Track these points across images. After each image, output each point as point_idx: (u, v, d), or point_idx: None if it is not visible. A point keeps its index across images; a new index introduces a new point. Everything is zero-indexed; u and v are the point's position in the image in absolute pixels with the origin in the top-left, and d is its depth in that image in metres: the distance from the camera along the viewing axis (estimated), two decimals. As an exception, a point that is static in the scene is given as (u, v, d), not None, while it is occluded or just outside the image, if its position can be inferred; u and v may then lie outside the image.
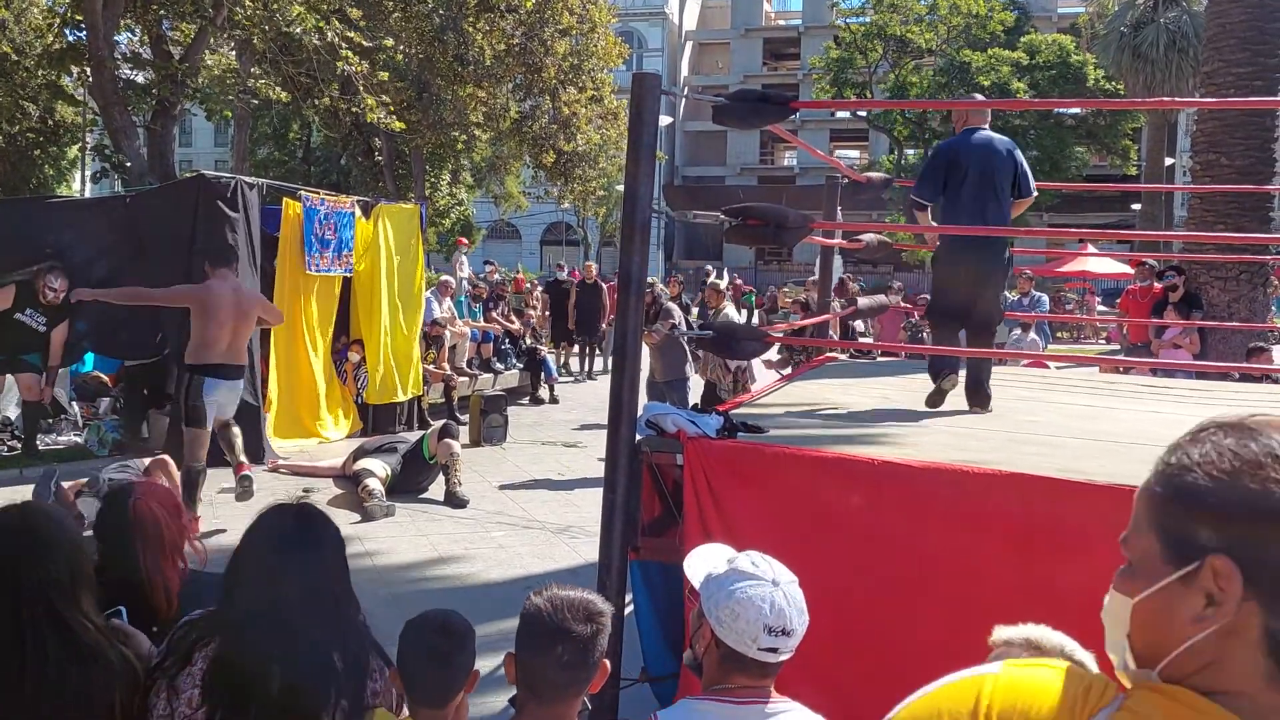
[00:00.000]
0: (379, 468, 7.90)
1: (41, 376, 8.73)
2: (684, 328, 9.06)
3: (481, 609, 5.53)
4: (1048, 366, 8.72)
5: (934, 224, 4.96)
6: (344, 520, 7.22)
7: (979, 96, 5.79)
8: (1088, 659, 1.71)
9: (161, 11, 13.18)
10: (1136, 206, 36.92)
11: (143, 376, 9.42)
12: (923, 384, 5.72)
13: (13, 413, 9.14)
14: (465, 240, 18.27)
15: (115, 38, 13.00)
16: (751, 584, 2.05)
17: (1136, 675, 1.06)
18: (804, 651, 3.15)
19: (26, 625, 1.98)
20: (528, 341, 14.27)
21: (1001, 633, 1.80)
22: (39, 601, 2.00)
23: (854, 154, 54.32)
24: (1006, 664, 1.12)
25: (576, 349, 16.46)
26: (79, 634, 2.03)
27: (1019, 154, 4.98)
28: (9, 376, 8.69)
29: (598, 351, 16.54)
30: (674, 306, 9.55)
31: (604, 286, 15.51)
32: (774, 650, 2.02)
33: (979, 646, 2.00)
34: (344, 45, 13.46)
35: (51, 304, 8.43)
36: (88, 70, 13.18)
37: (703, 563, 2.21)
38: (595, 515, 6.43)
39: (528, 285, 19.24)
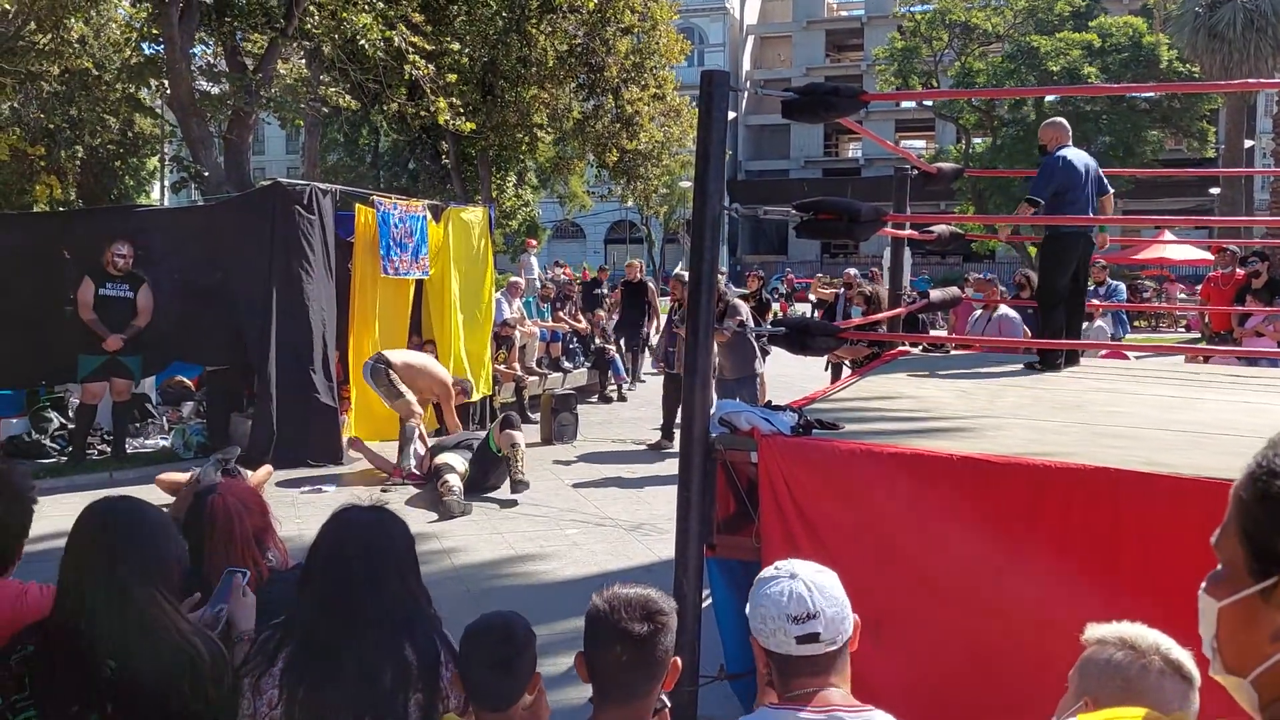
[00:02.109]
0: (459, 463, 7.98)
1: (131, 382, 9.01)
2: (752, 324, 9.03)
3: (558, 606, 5.59)
4: (1126, 357, 8.53)
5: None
6: (421, 519, 7.33)
7: (1062, 120, 6.33)
8: (1184, 657, 1.69)
9: (235, 24, 13.49)
10: (1215, 191, 35.88)
11: (224, 381, 9.69)
12: (998, 378, 5.65)
13: (101, 416, 9.43)
14: (534, 241, 18.37)
15: (191, 50, 13.34)
16: (769, 584, 2.05)
17: (1230, 684, 1.00)
18: (885, 645, 3.13)
19: (101, 610, 2.06)
20: (597, 341, 14.32)
21: (1095, 630, 1.78)
22: (113, 588, 2.08)
23: (920, 144, 53.62)
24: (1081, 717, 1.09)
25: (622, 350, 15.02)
26: (152, 621, 2.10)
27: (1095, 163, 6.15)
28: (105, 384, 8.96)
29: (642, 355, 15.21)
30: (742, 304, 9.51)
31: (649, 286, 14.88)
32: (811, 639, 1.98)
33: (1065, 643, 1.97)
34: (410, 50, 13.66)
35: (124, 270, 8.70)
36: (165, 83, 13.53)
37: None
38: (667, 512, 6.47)
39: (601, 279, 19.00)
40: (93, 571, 2.10)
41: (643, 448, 10.03)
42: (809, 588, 2.01)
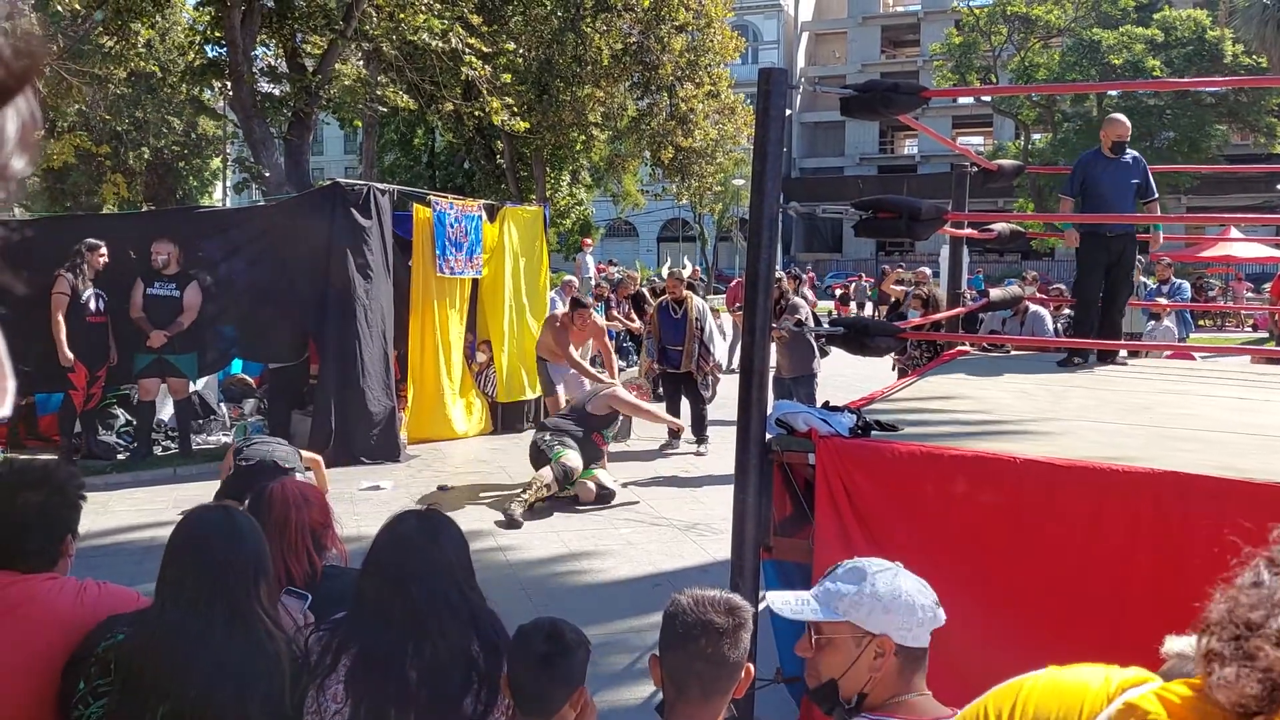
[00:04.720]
0: (575, 459, 7.70)
1: (187, 380, 9.18)
2: (811, 323, 8.96)
3: (613, 605, 5.60)
4: (1193, 357, 8.34)
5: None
6: (477, 516, 7.36)
7: (1122, 116, 6.53)
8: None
9: (295, 26, 13.68)
10: (1284, 187, 35.01)
11: (284, 379, 9.83)
12: (1061, 379, 5.55)
13: (166, 414, 9.62)
14: (589, 240, 18.41)
15: (253, 53, 13.56)
16: (893, 575, 2.01)
17: None
18: (947, 655, 3.08)
19: (204, 609, 2.10)
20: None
21: (1174, 644, 1.71)
22: (222, 589, 2.12)
23: (977, 140, 52.94)
24: (1051, 667, 1.11)
25: None
26: (251, 624, 2.14)
27: None
28: (162, 384, 9.13)
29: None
30: (801, 301, 9.43)
31: (645, 295, 14.07)
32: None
33: (1135, 656, 1.91)
34: (466, 50, 13.76)
35: (165, 269, 8.87)
36: (228, 85, 13.77)
37: (796, 601, 2.08)
38: (722, 513, 6.43)
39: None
40: (194, 573, 2.13)
41: (696, 447, 9.97)
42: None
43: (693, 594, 2.01)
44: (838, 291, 28.91)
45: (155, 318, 8.82)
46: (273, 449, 7.00)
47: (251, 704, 2.09)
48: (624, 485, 8.40)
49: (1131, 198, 6.29)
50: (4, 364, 0.56)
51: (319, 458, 7.45)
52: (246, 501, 2.83)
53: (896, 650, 1.97)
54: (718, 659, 1.94)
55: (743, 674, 1.99)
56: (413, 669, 2.13)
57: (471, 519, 7.25)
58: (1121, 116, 6.50)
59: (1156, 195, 6.40)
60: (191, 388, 9.50)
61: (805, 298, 13.96)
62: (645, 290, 14.65)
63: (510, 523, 7.17)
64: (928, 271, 11.05)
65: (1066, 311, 11.30)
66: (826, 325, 5.21)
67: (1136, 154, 6.47)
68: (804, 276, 19.44)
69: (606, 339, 9.60)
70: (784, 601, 2.09)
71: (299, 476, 6.73)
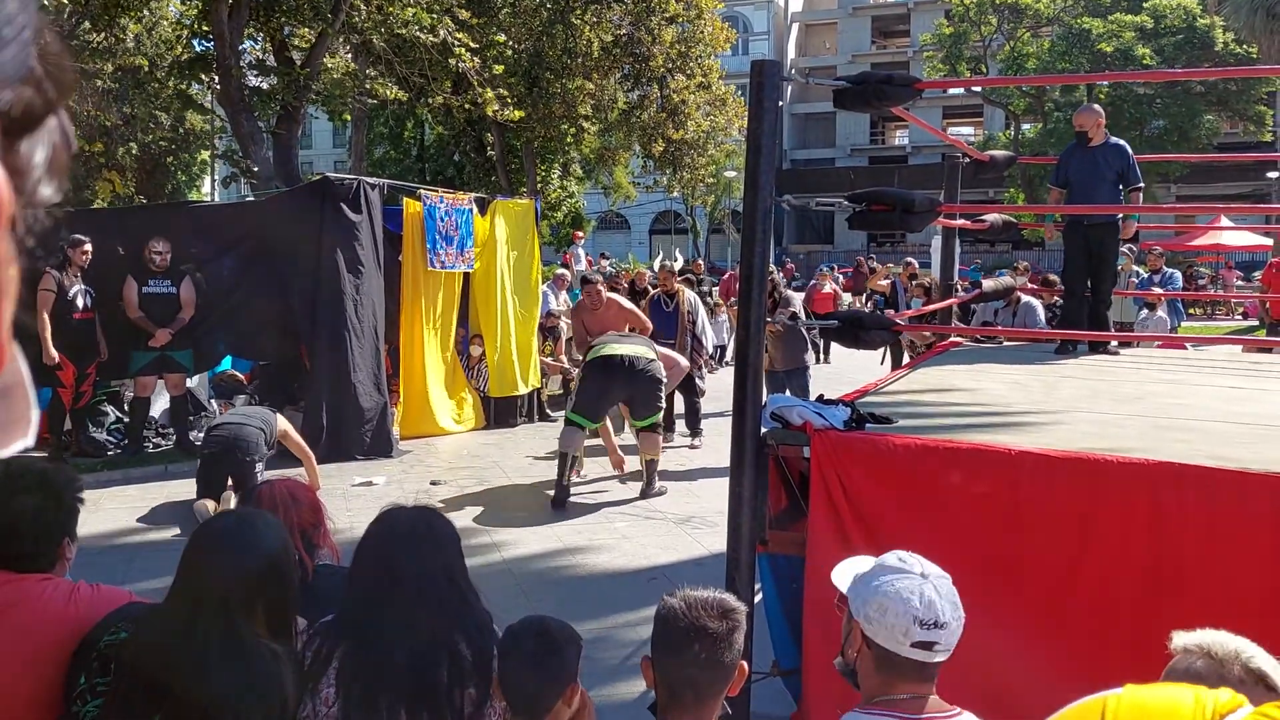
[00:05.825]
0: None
1: (185, 375, 9.13)
2: (804, 316, 8.96)
3: (608, 600, 5.60)
4: (1185, 347, 8.35)
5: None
6: (469, 513, 7.35)
7: (1097, 109, 6.53)
8: (1269, 666, 1.62)
9: (284, 19, 13.59)
10: (1273, 175, 35.07)
11: (276, 375, 9.80)
12: (1054, 369, 5.55)
13: (156, 411, 9.57)
14: (580, 233, 18.36)
15: (240, 46, 13.47)
16: (898, 577, 1.95)
17: None
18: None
19: (201, 622, 2.05)
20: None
21: (1180, 639, 1.71)
22: (216, 607, 2.06)
23: (968, 130, 52.92)
24: (1129, 686, 1.09)
25: None
26: (249, 641, 2.09)
27: None
28: (158, 380, 9.09)
29: None
30: (795, 295, 9.42)
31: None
32: (928, 646, 1.90)
33: (1128, 644, 1.91)
34: (456, 43, 13.70)
35: (161, 268, 8.83)
36: (215, 79, 13.69)
37: (851, 569, 2.11)
38: (716, 506, 6.43)
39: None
40: (194, 584, 2.10)
41: (690, 440, 9.96)
42: (938, 594, 1.93)
43: (685, 596, 1.96)
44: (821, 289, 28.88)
45: (155, 316, 8.78)
46: (235, 431, 6.98)
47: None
48: (622, 482, 8.39)
49: (1105, 186, 6.26)
50: (28, 391, 0.54)
51: (310, 453, 7.46)
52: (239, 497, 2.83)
53: (867, 643, 1.95)
54: (712, 664, 1.91)
55: (736, 674, 1.97)
56: (401, 658, 2.12)
57: (463, 515, 7.24)
58: (1088, 106, 6.56)
59: (1140, 184, 6.40)
60: (188, 383, 9.47)
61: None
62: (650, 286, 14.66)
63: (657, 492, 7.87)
64: (914, 262, 11.06)
65: (1056, 300, 11.31)
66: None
67: (1118, 142, 6.46)
68: (824, 269, 19.40)
69: (643, 320, 8.89)
70: (842, 574, 2.14)
71: (257, 459, 6.80)
